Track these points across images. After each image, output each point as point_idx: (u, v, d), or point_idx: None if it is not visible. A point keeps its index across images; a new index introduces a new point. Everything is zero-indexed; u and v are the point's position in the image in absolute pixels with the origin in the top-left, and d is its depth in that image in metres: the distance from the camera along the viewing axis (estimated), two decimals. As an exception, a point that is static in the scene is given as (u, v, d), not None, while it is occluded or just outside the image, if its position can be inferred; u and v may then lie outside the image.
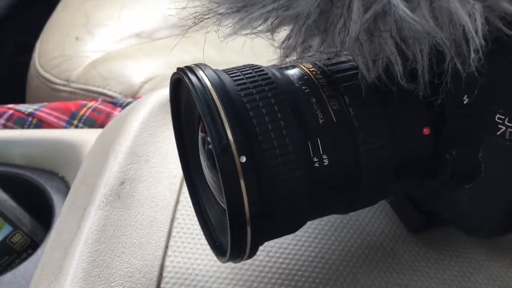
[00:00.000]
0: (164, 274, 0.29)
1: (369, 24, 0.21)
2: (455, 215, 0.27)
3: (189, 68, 0.24)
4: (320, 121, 0.24)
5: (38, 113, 0.54)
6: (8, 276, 0.40)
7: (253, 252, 0.24)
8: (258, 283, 0.29)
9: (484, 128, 0.24)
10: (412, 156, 0.25)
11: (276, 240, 0.31)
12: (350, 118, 0.24)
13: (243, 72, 0.24)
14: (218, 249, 0.26)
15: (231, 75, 0.24)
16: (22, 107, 0.55)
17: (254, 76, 0.24)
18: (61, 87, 0.66)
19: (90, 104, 0.55)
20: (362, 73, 0.23)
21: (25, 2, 0.91)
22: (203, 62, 0.25)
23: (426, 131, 0.25)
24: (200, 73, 0.23)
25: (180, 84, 0.26)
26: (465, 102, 0.24)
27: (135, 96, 0.63)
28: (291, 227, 0.26)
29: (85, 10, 0.78)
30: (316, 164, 0.23)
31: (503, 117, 0.23)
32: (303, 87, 0.24)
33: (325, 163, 0.24)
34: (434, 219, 0.30)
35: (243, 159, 0.22)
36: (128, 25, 0.76)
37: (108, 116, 0.53)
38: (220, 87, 0.23)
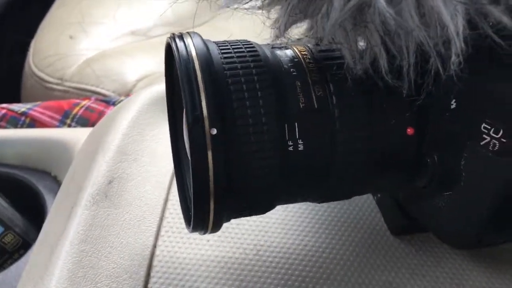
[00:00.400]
0: (152, 274, 0.29)
1: (352, 13, 0.21)
2: (433, 222, 0.26)
3: (180, 35, 0.24)
4: (301, 105, 0.23)
5: (31, 112, 0.53)
6: (0, 276, 0.40)
7: (216, 226, 0.24)
8: (247, 283, 0.28)
9: (469, 136, 0.23)
10: (391, 154, 0.25)
11: (265, 238, 0.30)
12: (332, 106, 0.23)
13: (233, 46, 0.24)
14: (188, 219, 0.26)
15: (220, 47, 0.24)
16: (15, 106, 0.55)
17: (243, 52, 0.24)
18: (55, 86, 0.66)
19: (83, 103, 0.54)
20: (348, 63, 0.23)
21: (22, 1, 0.91)
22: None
23: (409, 131, 0.24)
24: (188, 41, 0.23)
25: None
26: (452, 106, 0.23)
27: (128, 94, 0.62)
28: (259, 208, 0.25)
29: (80, 8, 0.78)
30: (290, 148, 0.23)
31: (489, 127, 0.22)
32: (291, 70, 0.24)
33: (299, 148, 0.23)
34: (414, 224, 0.29)
35: (214, 131, 0.21)
36: (123, 23, 0.75)
37: (101, 114, 0.52)
38: (204, 57, 0.23)
